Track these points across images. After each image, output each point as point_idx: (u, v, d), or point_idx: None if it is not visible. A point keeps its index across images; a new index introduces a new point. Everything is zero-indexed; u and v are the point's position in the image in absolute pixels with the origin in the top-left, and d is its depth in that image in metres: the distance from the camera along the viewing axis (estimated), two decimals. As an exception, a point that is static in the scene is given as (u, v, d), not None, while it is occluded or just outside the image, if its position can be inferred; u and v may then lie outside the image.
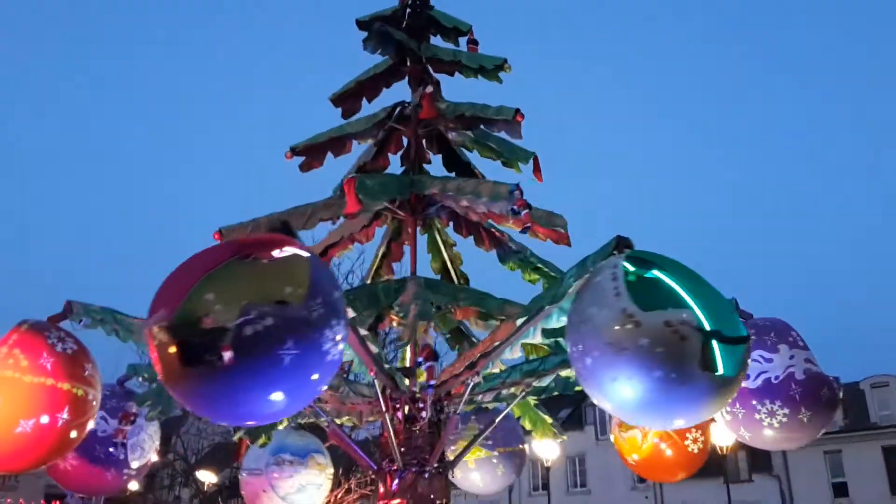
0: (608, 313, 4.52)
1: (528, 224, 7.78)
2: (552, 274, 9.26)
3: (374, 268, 10.54)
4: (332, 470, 9.25)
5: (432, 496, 8.04)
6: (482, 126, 9.39)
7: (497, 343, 7.01)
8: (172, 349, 4.17)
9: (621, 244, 5.28)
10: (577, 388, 8.42)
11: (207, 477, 22.30)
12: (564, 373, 7.97)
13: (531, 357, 8.38)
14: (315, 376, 4.45)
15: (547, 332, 6.87)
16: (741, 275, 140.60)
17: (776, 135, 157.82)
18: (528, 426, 9.66)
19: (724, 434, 5.49)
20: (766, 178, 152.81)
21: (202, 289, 4.32)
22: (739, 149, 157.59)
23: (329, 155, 9.79)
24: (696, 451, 8.46)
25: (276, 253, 4.70)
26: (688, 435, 8.17)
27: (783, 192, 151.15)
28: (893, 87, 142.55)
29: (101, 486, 7.28)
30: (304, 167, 9.71)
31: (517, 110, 8.58)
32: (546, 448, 21.61)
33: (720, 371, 4.45)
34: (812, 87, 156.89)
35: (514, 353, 7.24)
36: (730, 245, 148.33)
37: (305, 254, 4.73)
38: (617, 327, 4.42)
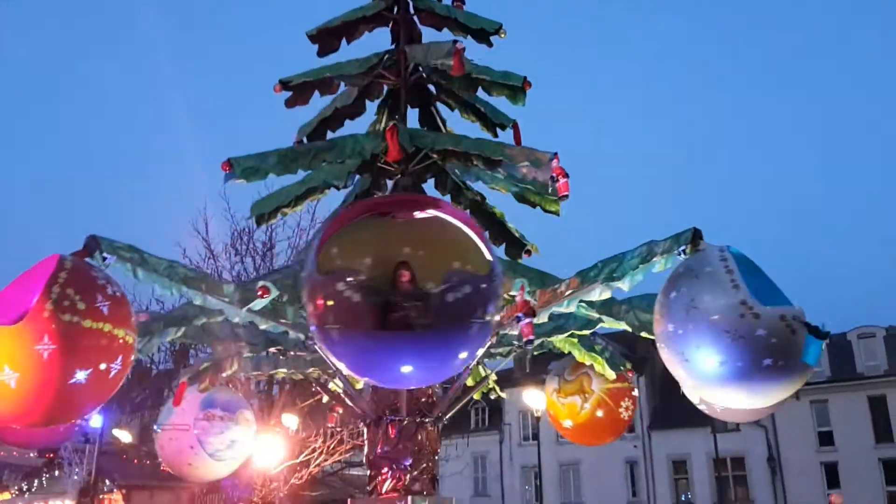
0: (726, 303, 4.90)
1: (567, 194, 7.89)
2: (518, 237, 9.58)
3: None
4: (255, 428, 8.89)
5: (429, 444, 8.19)
6: (481, 88, 9.27)
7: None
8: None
9: (696, 236, 5.48)
10: (559, 352, 8.59)
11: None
12: (553, 338, 8.12)
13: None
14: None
15: (584, 304, 6.94)
16: (729, 227, 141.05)
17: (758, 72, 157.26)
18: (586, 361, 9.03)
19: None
20: (757, 136, 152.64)
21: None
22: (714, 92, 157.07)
23: (315, 94, 9.65)
24: (626, 417, 8.87)
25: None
26: (622, 403, 8.76)
27: (769, 148, 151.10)
28: None
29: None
30: (290, 103, 9.52)
31: (525, 78, 8.51)
32: (535, 398, 21.82)
33: (809, 361, 4.86)
34: None
35: (540, 320, 7.22)
36: (716, 193, 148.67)
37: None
38: (735, 317, 4.80)
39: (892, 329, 36.21)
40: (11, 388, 4.56)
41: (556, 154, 7.53)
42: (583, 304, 6.97)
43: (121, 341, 5.04)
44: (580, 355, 8.45)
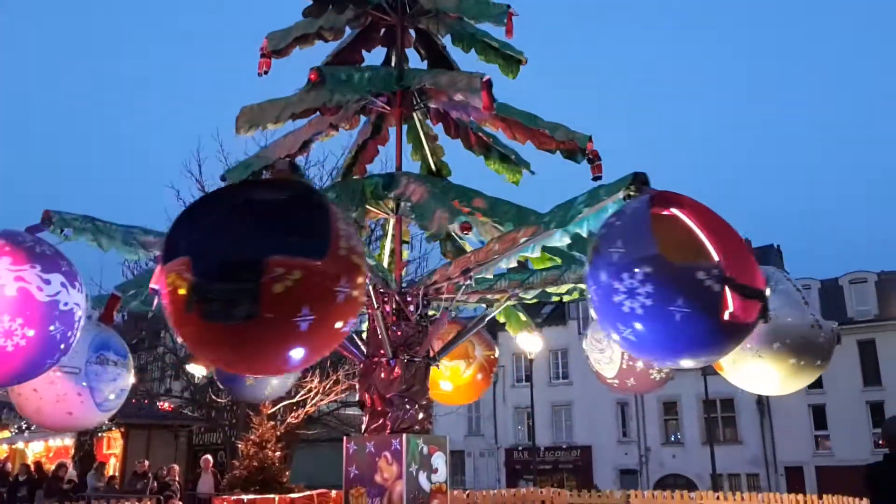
0: (801, 320, 6.03)
1: (600, 175, 7.97)
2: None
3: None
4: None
5: (417, 385, 8.29)
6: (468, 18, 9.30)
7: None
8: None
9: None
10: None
11: (197, 370, 22.44)
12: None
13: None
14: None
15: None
16: (718, 169, 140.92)
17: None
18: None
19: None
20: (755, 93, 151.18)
21: None
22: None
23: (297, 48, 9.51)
24: (495, 379, 10.20)
25: None
26: (494, 368, 10.20)
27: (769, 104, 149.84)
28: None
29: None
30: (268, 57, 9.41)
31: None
32: (529, 341, 22.06)
33: None
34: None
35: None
36: (708, 133, 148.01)
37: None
38: (807, 330, 5.98)
39: (884, 274, 36.45)
40: None
41: (483, 78, 7.60)
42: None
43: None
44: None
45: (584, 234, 6.28)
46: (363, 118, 10.09)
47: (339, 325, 4.43)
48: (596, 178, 7.99)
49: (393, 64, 9.92)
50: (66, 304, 5.48)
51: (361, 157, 10.40)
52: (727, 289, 4.64)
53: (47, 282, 5.41)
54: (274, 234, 4.33)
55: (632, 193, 5.36)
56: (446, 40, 10.13)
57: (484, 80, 7.61)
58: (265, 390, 9.01)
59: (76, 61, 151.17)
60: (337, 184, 9.79)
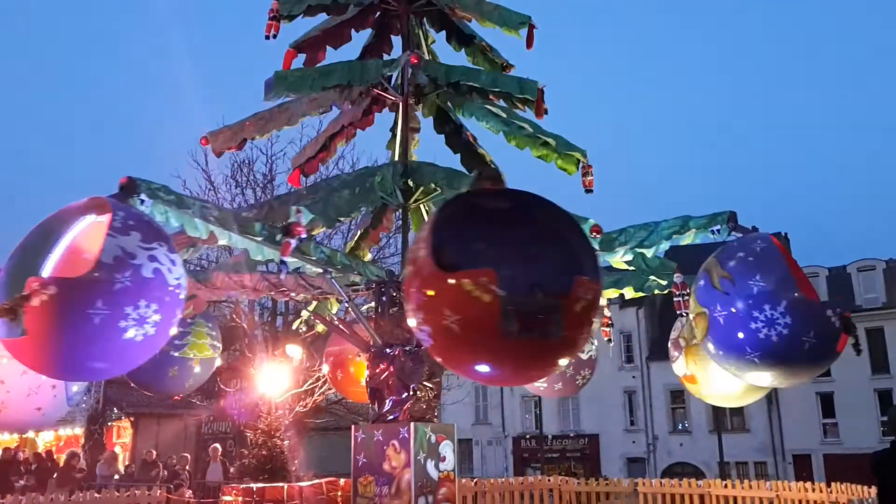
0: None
1: (591, 189, 8.17)
2: (562, 149, 8.81)
3: (321, 144, 10.56)
4: None
5: (425, 374, 8.31)
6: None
7: None
8: None
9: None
10: None
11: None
12: None
13: None
14: None
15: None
16: (732, 161, 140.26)
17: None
18: None
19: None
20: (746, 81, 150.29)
21: None
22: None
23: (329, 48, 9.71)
24: None
25: None
26: None
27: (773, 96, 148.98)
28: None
29: None
30: (309, 63, 9.56)
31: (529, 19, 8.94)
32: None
33: None
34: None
35: None
36: (717, 128, 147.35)
37: None
38: None
39: (893, 262, 36.29)
40: None
41: (540, 88, 7.67)
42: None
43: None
44: None
45: (650, 256, 6.65)
46: (378, 116, 10.24)
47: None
48: (588, 192, 8.18)
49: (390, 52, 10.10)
50: (181, 285, 5.01)
51: (336, 138, 10.50)
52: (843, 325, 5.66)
53: (174, 262, 4.94)
54: (574, 254, 4.47)
55: (719, 228, 6.03)
56: (439, 36, 10.26)
57: (540, 87, 7.94)
58: (186, 382, 8.49)
59: (80, 54, 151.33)
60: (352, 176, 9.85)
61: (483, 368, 4.69)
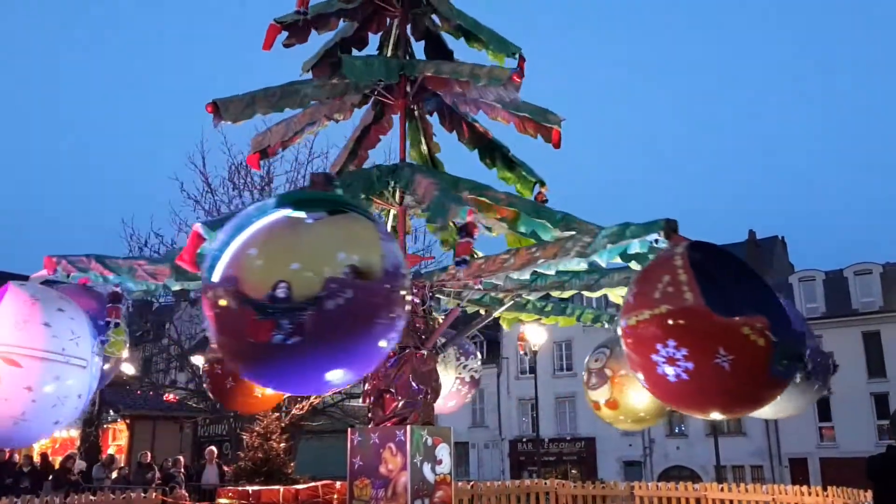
0: None
1: (559, 145, 8.29)
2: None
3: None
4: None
5: (428, 375, 8.31)
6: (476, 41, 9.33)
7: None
8: None
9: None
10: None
11: (202, 361, 22.49)
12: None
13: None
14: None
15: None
16: (729, 163, 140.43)
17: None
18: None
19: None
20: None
21: None
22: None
23: (313, 32, 9.52)
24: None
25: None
26: None
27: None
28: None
29: None
30: (288, 43, 9.41)
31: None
32: (534, 333, 22.08)
33: None
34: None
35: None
36: (711, 132, 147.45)
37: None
38: None
39: (889, 266, 36.34)
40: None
41: (514, 71, 7.55)
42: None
43: None
44: None
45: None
46: (357, 109, 10.12)
47: None
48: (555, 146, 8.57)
49: (386, 54, 10.00)
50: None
51: (364, 144, 10.41)
52: None
53: None
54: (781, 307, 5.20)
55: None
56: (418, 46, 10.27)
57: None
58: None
59: (78, 53, 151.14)
60: (346, 173, 9.77)
61: (743, 407, 5.40)
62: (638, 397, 8.15)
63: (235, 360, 4.86)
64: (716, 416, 5.67)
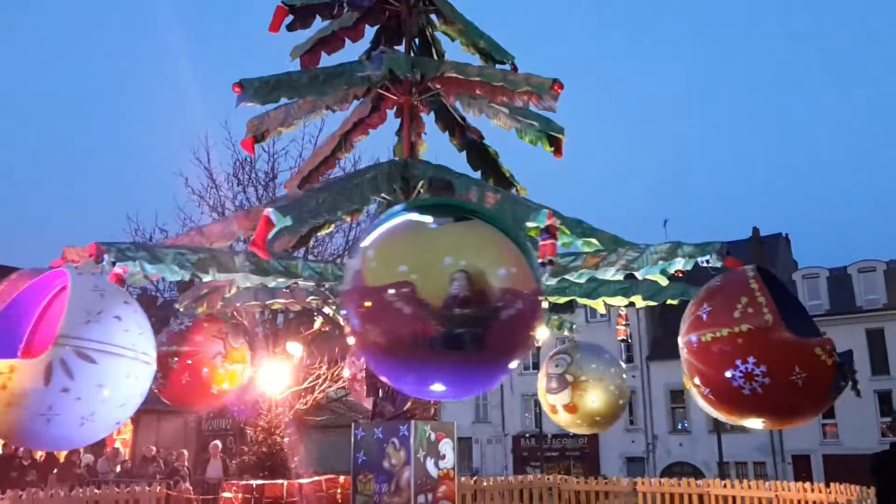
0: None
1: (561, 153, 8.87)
2: (510, 180, 10.07)
3: (337, 141, 10.43)
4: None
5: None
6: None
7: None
8: None
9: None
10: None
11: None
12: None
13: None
14: None
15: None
16: (730, 168, 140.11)
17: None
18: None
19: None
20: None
21: None
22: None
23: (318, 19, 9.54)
24: None
25: None
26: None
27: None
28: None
29: None
30: (292, 27, 9.42)
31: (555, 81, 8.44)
32: (537, 329, 22.12)
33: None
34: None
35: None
36: (718, 129, 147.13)
37: None
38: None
39: (893, 263, 36.22)
40: None
41: (556, 80, 7.49)
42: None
43: None
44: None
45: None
46: (390, 112, 10.11)
47: None
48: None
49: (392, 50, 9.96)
50: None
51: (353, 134, 10.36)
52: None
53: None
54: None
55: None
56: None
57: (557, 82, 7.67)
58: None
59: (83, 45, 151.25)
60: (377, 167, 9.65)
61: (799, 420, 6.08)
62: (595, 402, 8.98)
63: (401, 364, 4.75)
64: (760, 425, 6.15)
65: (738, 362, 5.32)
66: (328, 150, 10.32)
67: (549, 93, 7.60)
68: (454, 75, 8.74)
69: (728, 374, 5.36)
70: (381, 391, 8.23)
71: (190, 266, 6.65)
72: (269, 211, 6.48)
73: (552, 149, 9.17)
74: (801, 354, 5.33)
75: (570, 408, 9.09)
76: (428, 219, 4.75)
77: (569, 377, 9.10)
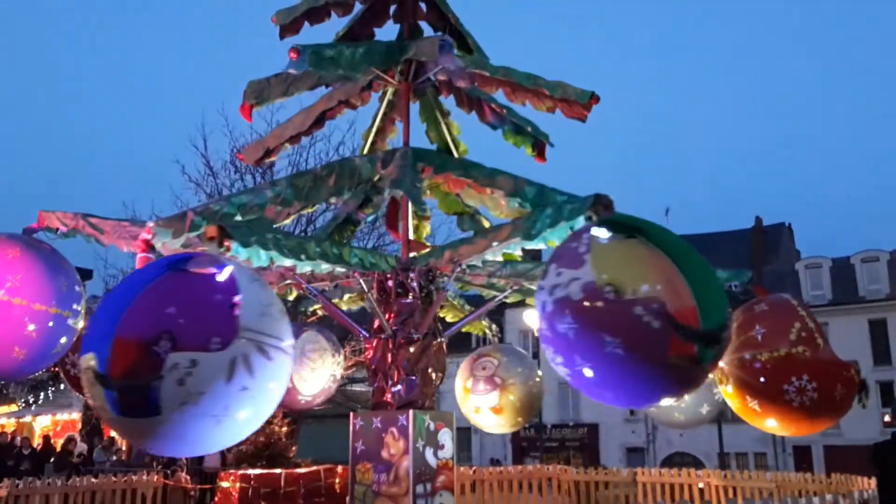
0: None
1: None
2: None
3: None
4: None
5: (431, 360, 8.24)
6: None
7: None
8: None
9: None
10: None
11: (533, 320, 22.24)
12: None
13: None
14: None
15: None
16: (734, 158, 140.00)
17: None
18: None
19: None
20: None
21: None
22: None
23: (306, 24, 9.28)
24: None
25: None
26: None
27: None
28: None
29: None
30: (282, 34, 9.19)
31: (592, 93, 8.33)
32: (534, 318, 22.06)
33: None
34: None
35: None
36: (719, 119, 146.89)
37: None
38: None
39: (896, 253, 36.20)
40: None
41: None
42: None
43: None
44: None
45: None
46: (375, 95, 9.90)
47: None
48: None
49: (402, 38, 9.71)
50: None
51: (381, 136, 10.19)
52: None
53: None
54: None
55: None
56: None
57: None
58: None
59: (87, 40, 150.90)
60: (332, 163, 9.64)
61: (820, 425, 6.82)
62: (520, 404, 9.29)
63: (633, 374, 5.00)
64: (783, 431, 7.20)
65: (794, 378, 6.14)
66: (303, 125, 9.86)
67: (586, 104, 7.48)
68: (475, 71, 8.46)
69: (784, 387, 6.16)
70: (388, 380, 8.12)
71: (308, 257, 6.75)
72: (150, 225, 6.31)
73: (534, 153, 9.28)
74: (842, 374, 6.35)
75: (497, 409, 9.34)
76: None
77: (497, 380, 9.32)
